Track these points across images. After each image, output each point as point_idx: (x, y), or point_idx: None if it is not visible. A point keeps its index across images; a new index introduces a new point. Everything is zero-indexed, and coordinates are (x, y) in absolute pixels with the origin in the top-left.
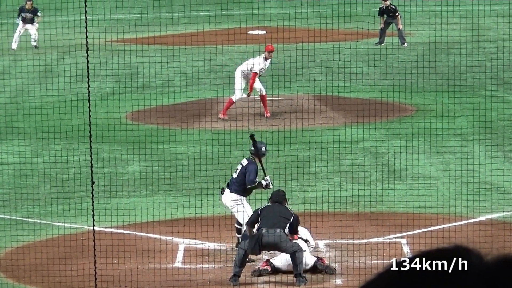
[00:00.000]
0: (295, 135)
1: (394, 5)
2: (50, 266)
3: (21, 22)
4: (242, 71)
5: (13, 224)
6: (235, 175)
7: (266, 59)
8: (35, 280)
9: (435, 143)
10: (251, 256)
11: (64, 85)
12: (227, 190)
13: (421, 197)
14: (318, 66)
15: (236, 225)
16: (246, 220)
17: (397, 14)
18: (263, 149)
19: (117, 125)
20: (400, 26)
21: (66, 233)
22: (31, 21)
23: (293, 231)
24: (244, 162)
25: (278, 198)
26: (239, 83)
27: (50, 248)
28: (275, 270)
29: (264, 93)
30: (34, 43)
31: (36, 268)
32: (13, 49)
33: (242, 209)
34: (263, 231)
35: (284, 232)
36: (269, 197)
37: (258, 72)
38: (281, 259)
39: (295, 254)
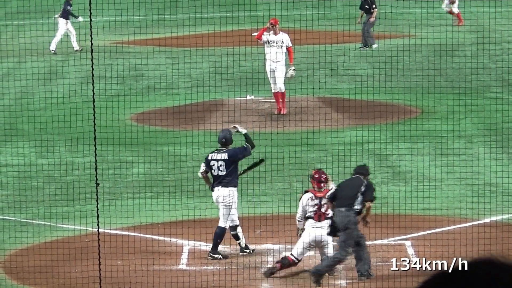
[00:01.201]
0: (299, 137)
1: None
2: (54, 268)
3: (63, 22)
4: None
5: (18, 225)
6: (223, 173)
7: (269, 30)
8: (39, 282)
9: (439, 145)
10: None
11: (69, 87)
12: (220, 188)
13: (426, 199)
14: (323, 68)
15: (232, 232)
16: (225, 217)
17: (374, 6)
18: (231, 137)
19: (121, 126)
20: (372, 19)
21: (71, 234)
22: (73, 16)
23: (366, 198)
24: (217, 156)
25: (359, 170)
26: (268, 74)
27: (55, 250)
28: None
29: (283, 90)
30: (76, 47)
31: (40, 270)
32: (54, 51)
33: (229, 206)
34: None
35: (354, 211)
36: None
37: (261, 40)
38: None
39: (358, 246)
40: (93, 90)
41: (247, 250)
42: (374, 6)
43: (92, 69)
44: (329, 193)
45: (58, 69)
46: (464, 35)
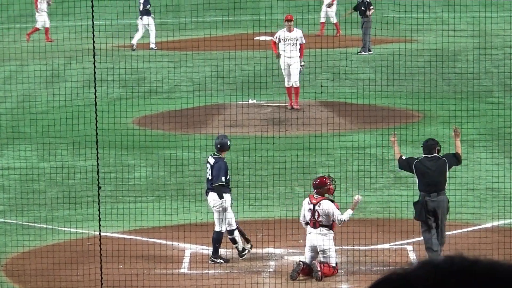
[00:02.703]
0: (301, 141)
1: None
2: (56, 271)
3: (145, 19)
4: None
5: (19, 229)
6: (209, 176)
7: (285, 28)
8: (41, 285)
9: (441, 149)
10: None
11: (71, 90)
12: (210, 192)
13: None
14: (325, 72)
15: (229, 236)
16: (220, 221)
17: (371, 7)
18: (228, 142)
19: (123, 130)
20: (369, 12)
21: (72, 238)
22: (147, 13)
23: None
24: (211, 160)
25: (428, 148)
26: (282, 70)
27: (56, 253)
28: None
29: (297, 85)
30: (152, 45)
31: (42, 273)
32: (135, 47)
33: (221, 213)
34: (426, 197)
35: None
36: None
37: (273, 39)
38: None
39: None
40: (95, 94)
41: (245, 253)
42: (371, 7)
43: (95, 72)
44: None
45: (60, 73)
46: (467, 40)
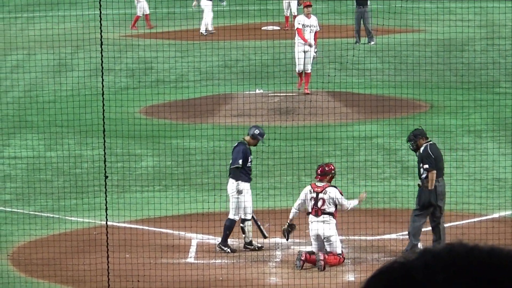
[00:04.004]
0: (308, 131)
1: None
2: (63, 260)
3: (208, 4)
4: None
5: (26, 218)
6: (228, 164)
7: (304, 13)
8: (47, 274)
9: (448, 139)
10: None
11: (78, 80)
12: (230, 179)
13: None
14: (332, 62)
15: (241, 224)
16: (234, 211)
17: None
18: (255, 131)
19: (130, 119)
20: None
21: (79, 227)
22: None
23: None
24: (236, 145)
25: (421, 133)
26: (296, 55)
27: (63, 242)
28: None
29: (309, 71)
30: (203, 30)
31: (49, 262)
32: (204, 32)
33: (236, 199)
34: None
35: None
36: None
37: (298, 26)
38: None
39: None
40: (102, 83)
41: (251, 247)
42: None
43: (102, 61)
44: (428, 165)
45: (68, 62)
46: (474, 30)
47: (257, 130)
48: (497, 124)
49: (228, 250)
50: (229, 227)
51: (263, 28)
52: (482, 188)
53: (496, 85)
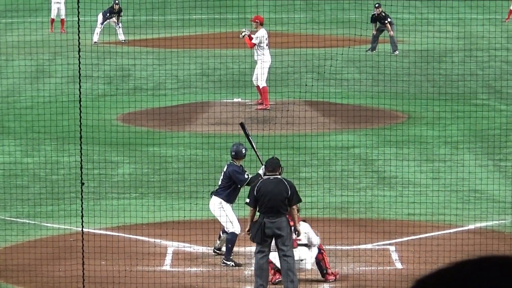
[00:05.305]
0: (285, 140)
1: (385, 12)
2: (38, 266)
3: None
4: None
5: (2, 224)
6: (220, 183)
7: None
8: (23, 281)
9: (425, 150)
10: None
11: (56, 86)
12: (213, 197)
13: (411, 204)
14: (310, 71)
15: (221, 232)
16: (230, 224)
17: (386, 22)
18: (243, 151)
19: (107, 126)
20: (392, 33)
21: (55, 234)
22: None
23: (292, 204)
24: (225, 168)
25: (274, 166)
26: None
27: (39, 249)
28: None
29: (263, 85)
30: (121, 38)
31: (24, 268)
32: (95, 42)
33: (224, 213)
34: (265, 219)
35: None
36: (263, 165)
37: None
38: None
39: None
40: (79, 90)
41: (218, 251)
42: (386, 21)
43: (79, 68)
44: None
45: (45, 68)
46: (452, 42)
47: (242, 148)
48: (474, 136)
49: (232, 264)
50: (231, 240)
51: (240, 35)
52: (458, 200)
53: (474, 96)
